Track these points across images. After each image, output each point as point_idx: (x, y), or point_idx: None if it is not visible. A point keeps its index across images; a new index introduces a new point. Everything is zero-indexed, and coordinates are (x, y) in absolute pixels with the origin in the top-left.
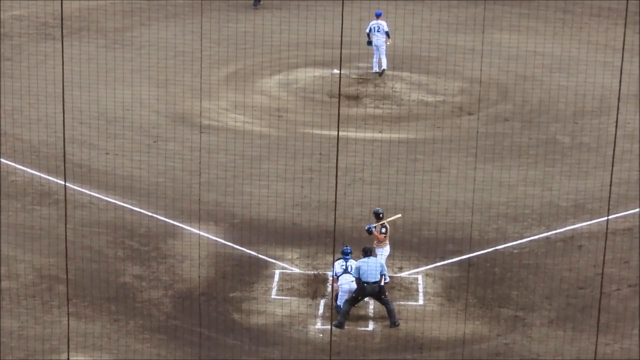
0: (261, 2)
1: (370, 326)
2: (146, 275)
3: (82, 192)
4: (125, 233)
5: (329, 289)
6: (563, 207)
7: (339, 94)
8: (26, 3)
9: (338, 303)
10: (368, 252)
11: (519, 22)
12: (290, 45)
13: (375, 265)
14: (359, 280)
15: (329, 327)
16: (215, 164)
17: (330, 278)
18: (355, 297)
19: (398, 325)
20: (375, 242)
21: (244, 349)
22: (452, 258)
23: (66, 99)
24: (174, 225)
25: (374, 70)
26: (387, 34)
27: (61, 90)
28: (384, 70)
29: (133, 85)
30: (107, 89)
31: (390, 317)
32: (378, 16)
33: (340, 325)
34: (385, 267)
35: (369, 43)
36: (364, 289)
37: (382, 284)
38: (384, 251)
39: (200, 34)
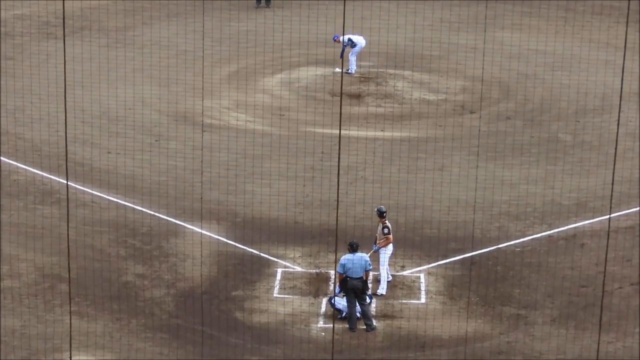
0: (270, 5)
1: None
2: (148, 274)
3: (84, 191)
4: (128, 232)
5: (331, 287)
6: (565, 205)
7: (341, 93)
8: (28, 2)
9: (332, 302)
10: (355, 247)
11: (521, 21)
12: (292, 44)
13: (360, 262)
14: (341, 276)
15: (331, 325)
16: (217, 163)
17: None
18: (347, 295)
19: (374, 328)
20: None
21: (246, 348)
22: (454, 256)
23: (68, 98)
24: (176, 224)
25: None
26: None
27: (63, 89)
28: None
29: (135, 84)
30: (109, 88)
31: (364, 319)
32: (335, 39)
33: (352, 329)
34: (370, 263)
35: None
36: (346, 283)
37: (386, 283)
38: (387, 250)
39: (202, 32)
